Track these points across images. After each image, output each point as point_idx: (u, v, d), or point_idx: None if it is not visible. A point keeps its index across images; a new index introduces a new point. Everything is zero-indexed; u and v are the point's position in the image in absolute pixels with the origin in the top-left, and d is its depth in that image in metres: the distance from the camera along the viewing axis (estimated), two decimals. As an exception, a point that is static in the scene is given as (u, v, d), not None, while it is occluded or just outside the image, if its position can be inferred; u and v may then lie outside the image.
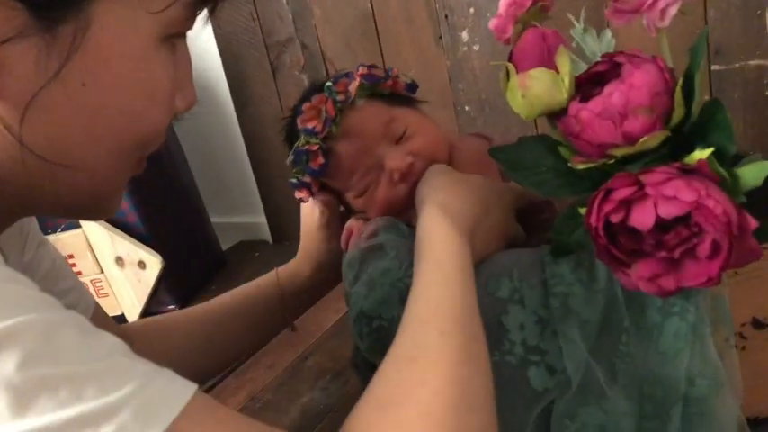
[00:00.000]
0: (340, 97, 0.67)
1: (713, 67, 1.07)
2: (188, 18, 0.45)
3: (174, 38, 0.46)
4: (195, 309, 0.81)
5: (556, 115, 0.50)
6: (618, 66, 0.48)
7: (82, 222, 1.40)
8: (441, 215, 0.54)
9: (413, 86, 0.73)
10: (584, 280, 0.52)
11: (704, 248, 0.46)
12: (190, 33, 0.48)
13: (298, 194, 0.73)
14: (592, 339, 0.51)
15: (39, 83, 0.39)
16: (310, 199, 0.73)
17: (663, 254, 0.47)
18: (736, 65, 1.06)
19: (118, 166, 0.46)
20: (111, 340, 0.38)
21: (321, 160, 0.68)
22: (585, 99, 0.48)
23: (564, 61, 0.48)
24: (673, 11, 0.46)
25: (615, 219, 0.47)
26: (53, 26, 0.39)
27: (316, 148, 0.68)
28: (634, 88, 0.46)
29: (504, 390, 0.51)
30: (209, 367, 0.81)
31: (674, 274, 0.48)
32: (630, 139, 0.47)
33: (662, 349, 0.51)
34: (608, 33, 0.57)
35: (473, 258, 0.52)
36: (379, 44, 1.39)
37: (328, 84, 0.68)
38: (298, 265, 0.80)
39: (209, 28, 1.59)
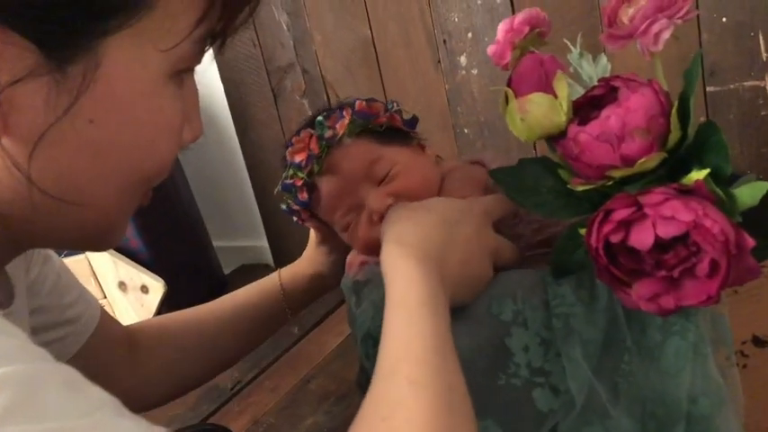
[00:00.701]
0: (328, 134, 0.67)
1: (708, 89, 1.09)
2: (197, 54, 0.45)
3: (183, 73, 0.46)
4: (200, 309, 0.82)
5: (555, 138, 0.51)
6: (614, 89, 0.49)
7: (85, 248, 1.41)
8: (396, 248, 0.52)
9: (412, 122, 0.73)
10: (585, 300, 0.53)
11: (703, 267, 0.47)
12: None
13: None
14: (594, 359, 0.52)
15: (48, 121, 0.40)
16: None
17: (662, 273, 0.48)
18: (731, 86, 1.08)
19: (125, 201, 0.46)
20: (98, 395, 0.37)
21: (305, 195, 0.69)
22: (584, 122, 0.49)
23: (562, 86, 0.49)
24: (666, 35, 0.47)
25: (615, 239, 0.48)
26: (64, 65, 0.39)
27: (300, 182, 0.68)
28: (631, 111, 0.47)
29: (510, 412, 0.52)
30: (213, 366, 0.81)
31: (673, 293, 0.48)
32: (628, 161, 0.48)
33: (663, 368, 0.51)
34: (603, 58, 0.58)
35: (451, 280, 0.51)
36: (379, 68, 1.41)
37: (320, 118, 0.69)
38: (300, 269, 0.82)
39: (210, 55, 1.60)
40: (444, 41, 1.32)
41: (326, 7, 1.43)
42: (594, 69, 0.58)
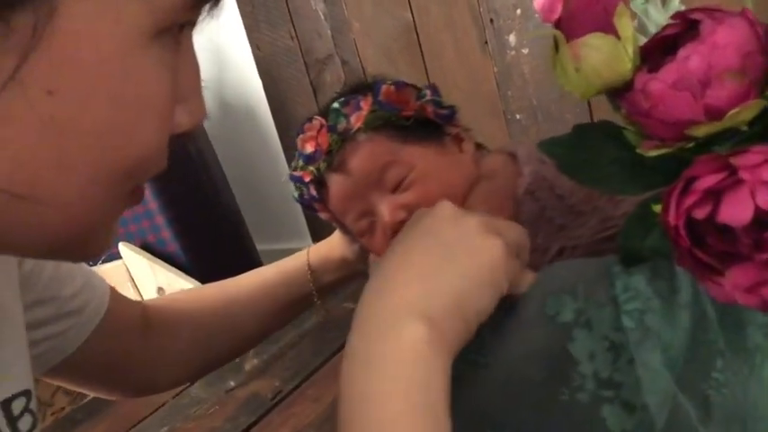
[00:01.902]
0: (341, 125, 0.59)
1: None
2: (189, 6, 0.35)
3: (172, 33, 0.35)
4: (223, 286, 0.76)
5: (618, 92, 0.42)
6: (694, 25, 0.39)
7: (122, 253, 1.37)
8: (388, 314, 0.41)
9: (449, 115, 0.62)
10: (663, 293, 0.43)
11: (821, 246, 0.36)
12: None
13: None
14: (678, 367, 0.42)
15: None
16: None
17: (765, 256, 0.38)
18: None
19: (101, 199, 0.36)
20: None
21: (313, 192, 0.60)
22: (655, 69, 0.40)
23: (625, 23, 0.39)
24: None
25: (700, 214, 0.38)
26: (5, 13, 0.30)
27: (309, 177, 0.60)
28: (718, 48, 0.37)
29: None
30: (233, 347, 0.77)
31: (781, 281, 0.38)
32: (716, 114, 0.37)
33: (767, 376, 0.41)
34: (675, 0, 0.48)
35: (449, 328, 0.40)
36: (422, 55, 1.33)
37: (335, 105, 0.60)
38: (327, 250, 0.76)
39: (249, 51, 1.56)
40: (491, 20, 1.22)
41: (365, -7, 1.35)
42: (664, 16, 0.48)
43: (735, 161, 0.37)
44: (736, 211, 0.37)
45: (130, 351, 0.69)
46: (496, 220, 0.46)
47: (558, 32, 0.41)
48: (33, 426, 0.49)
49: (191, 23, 0.37)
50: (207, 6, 0.37)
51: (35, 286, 0.58)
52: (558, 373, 0.39)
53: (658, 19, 0.48)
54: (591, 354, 0.42)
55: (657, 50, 0.41)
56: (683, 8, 0.47)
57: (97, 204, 0.36)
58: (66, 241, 0.37)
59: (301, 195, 0.63)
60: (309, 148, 0.60)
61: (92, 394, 0.77)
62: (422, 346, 0.38)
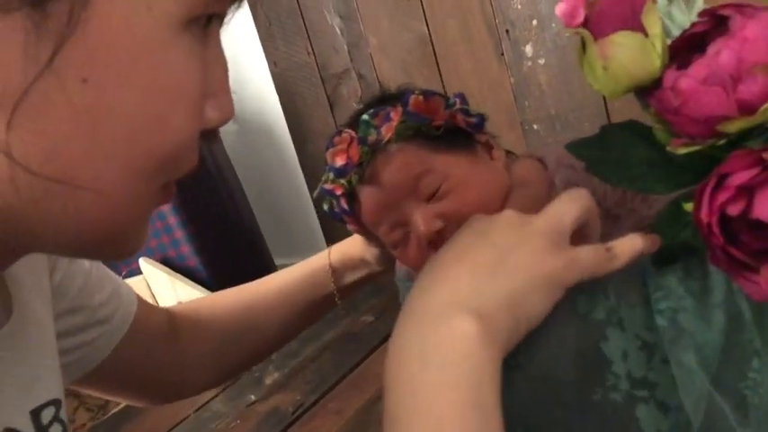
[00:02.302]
0: (371, 137, 0.58)
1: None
2: None
3: (201, 23, 0.36)
4: (246, 289, 0.76)
5: (646, 90, 0.41)
6: (723, 21, 0.39)
7: (143, 269, 1.37)
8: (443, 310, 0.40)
9: (478, 123, 0.61)
10: (696, 292, 0.42)
11: None
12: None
13: None
14: (713, 366, 0.41)
15: (28, 77, 0.31)
16: None
17: (800, 252, 0.37)
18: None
19: (135, 190, 0.37)
20: None
21: (345, 205, 0.60)
22: (684, 66, 0.39)
23: (653, 20, 0.39)
24: None
25: (734, 211, 0.37)
26: (42, 1, 0.30)
27: (340, 190, 0.60)
28: (748, 42, 0.36)
29: (608, 436, 0.41)
30: (257, 350, 0.76)
31: (817, 277, 0.37)
32: (748, 108, 0.37)
33: (806, 376, 0.40)
34: (699, 0, 0.48)
35: (502, 334, 0.39)
36: (438, 67, 1.33)
37: (365, 116, 0.59)
38: (349, 250, 0.75)
39: (266, 67, 1.57)
40: (507, 31, 1.22)
41: (380, 8, 1.36)
42: (689, 16, 0.48)
43: (768, 156, 0.36)
44: (770, 207, 0.36)
45: (157, 357, 0.69)
46: (555, 203, 0.45)
47: (585, 32, 0.41)
48: None
49: (218, 16, 0.37)
50: (233, 1, 0.37)
51: (65, 296, 0.58)
52: (590, 373, 0.39)
53: (682, 21, 0.47)
54: (624, 353, 0.41)
55: (685, 48, 0.41)
56: (706, 7, 0.47)
57: (132, 195, 0.37)
58: (101, 235, 0.38)
59: (331, 209, 0.63)
60: (340, 161, 0.59)
61: (121, 401, 0.77)
62: (473, 341, 0.37)
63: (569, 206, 0.45)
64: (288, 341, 0.79)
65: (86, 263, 0.61)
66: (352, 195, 0.60)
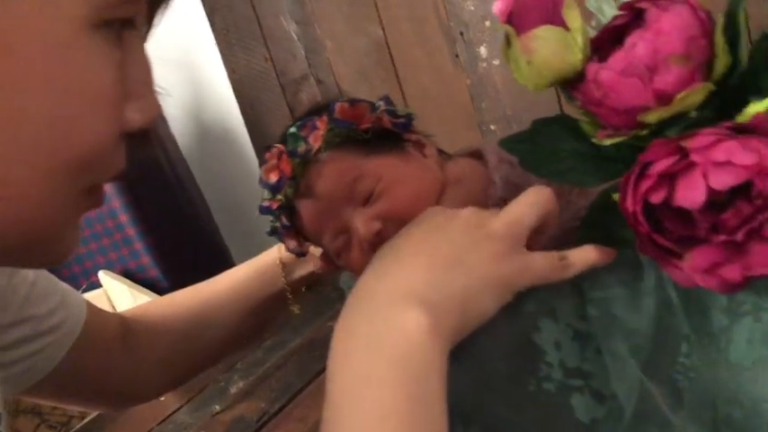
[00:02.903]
0: (301, 149, 0.58)
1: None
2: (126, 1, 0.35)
3: (114, 27, 0.36)
4: (196, 290, 0.76)
5: (571, 83, 0.42)
6: (641, 14, 0.40)
7: (103, 281, 1.35)
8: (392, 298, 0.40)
9: (406, 123, 0.61)
10: (627, 281, 0.43)
11: (774, 225, 0.37)
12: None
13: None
14: (644, 354, 0.41)
15: None
16: None
17: (722, 238, 0.38)
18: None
19: (55, 193, 0.36)
20: None
21: (285, 220, 0.60)
22: (605, 59, 0.40)
23: (573, 15, 0.40)
24: None
25: (656, 198, 0.38)
26: None
27: (277, 206, 0.60)
28: (662, 34, 0.37)
29: (544, 426, 0.42)
30: (214, 348, 0.76)
31: (738, 261, 0.38)
32: (665, 98, 0.38)
33: (735, 359, 0.41)
34: None
35: (452, 329, 0.39)
36: (395, 70, 1.33)
37: (292, 129, 0.59)
38: None
39: (224, 75, 1.57)
40: (461, 33, 1.23)
41: (336, 12, 1.36)
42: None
43: (686, 144, 0.37)
44: (690, 194, 0.37)
45: (111, 363, 0.68)
46: (518, 200, 0.44)
47: (508, 27, 0.41)
48: None
49: (131, 23, 0.37)
50: (149, 10, 0.37)
51: (9, 307, 0.57)
52: (524, 364, 0.39)
53: (611, 14, 0.48)
54: (557, 343, 0.41)
55: (607, 41, 0.42)
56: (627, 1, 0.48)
57: (52, 198, 0.36)
58: (23, 239, 0.37)
59: (275, 230, 0.63)
60: (273, 178, 0.59)
61: (76, 408, 0.77)
62: (424, 335, 0.37)
63: (529, 209, 0.44)
64: (243, 341, 0.78)
65: (30, 274, 0.60)
66: (290, 210, 0.60)
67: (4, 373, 0.57)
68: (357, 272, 0.59)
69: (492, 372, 0.40)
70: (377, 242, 0.54)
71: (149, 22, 0.40)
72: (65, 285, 0.65)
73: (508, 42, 0.42)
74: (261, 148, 1.60)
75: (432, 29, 1.26)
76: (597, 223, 0.44)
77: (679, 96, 0.37)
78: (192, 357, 0.74)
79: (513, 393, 0.41)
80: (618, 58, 0.38)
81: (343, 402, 0.37)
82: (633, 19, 0.41)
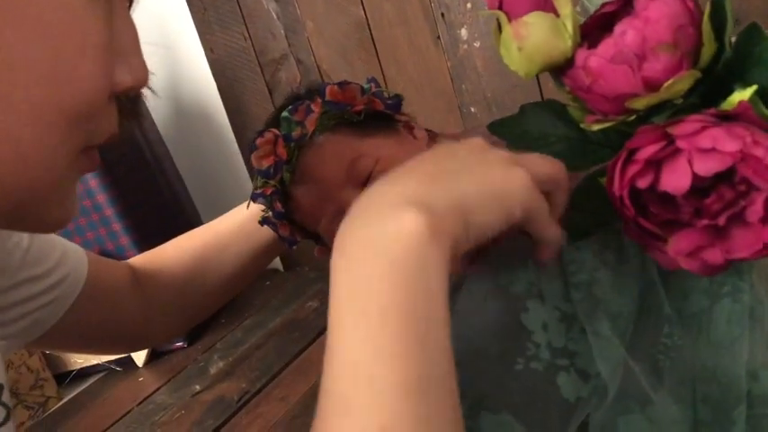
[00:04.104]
0: (296, 132, 0.57)
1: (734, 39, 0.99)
2: None
3: None
4: (195, 234, 0.79)
5: (560, 69, 0.43)
6: (631, 2, 0.40)
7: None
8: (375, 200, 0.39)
9: (395, 103, 0.61)
10: (610, 263, 0.44)
11: (756, 210, 0.38)
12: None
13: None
14: (627, 334, 0.42)
15: None
16: None
17: (704, 222, 0.39)
18: None
19: (51, 148, 0.36)
20: None
21: (279, 206, 0.60)
22: (594, 45, 0.41)
23: (563, 1, 0.40)
24: None
25: (643, 183, 0.39)
26: None
27: (271, 191, 0.59)
28: (651, 22, 0.38)
29: (531, 404, 0.43)
30: (219, 289, 0.78)
31: (720, 245, 0.39)
32: (653, 85, 0.39)
33: (714, 339, 0.42)
34: None
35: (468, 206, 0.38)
36: (376, 51, 1.33)
37: (285, 113, 0.58)
38: None
39: (202, 54, 1.55)
40: (442, 15, 1.23)
41: (316, -9, 1.35)
42: (607, -2, 0.49)
43: (672, 130, 0.38)
44: (675, 179, 0.38)
45: (122, 311, 0.71)
46: (530, 155, 0.42)
47: (500, 13, 0.42)
48: (6, 418, 0.49)
49: None
50: None
51: (6, 271, 0.58)
52: (512, 344, 0.40)
53: (601, 2, 0.49)
54: (544, 324, 0.42)
55: (597, 28, 0.43)
56: None
57: (49, 154, 0.36)
58: (19, 198, 0.37)
59: (266, 219, 0.62)
60: (267, 163, 0.59)
61: (88, 354, 0.80)
62: (422, 236, 0.36)
63: (543, 161, 0.42)
64: (246, 281, 0.80)
65: (24, 240, 0.61)
66: (285, 195, 0.59)
67: (5, 331, 0.58)
68: None
69: (481, 350, 0.41)
70: None
71: None
72: (64, 242, 0.67)
73: (499, 28, 0.43)
74: (239, 125, 1.59)
75: (413, 10, 1.26)
76: (581, 206, 0.45)
77: (667, 84, 0.38)
78: (199, 299, 0.77)
79: (501, 371, 0.42)
80: (607, 46, 0.39)
81: (343, 303, 0.36)
82: (622, 6, 0.41)
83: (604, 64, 0.39)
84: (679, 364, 0.42)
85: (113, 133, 0.40)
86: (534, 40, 0.41)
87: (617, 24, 0.39)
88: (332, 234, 0.59)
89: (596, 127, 0.42)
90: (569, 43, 0.41)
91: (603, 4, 0.43)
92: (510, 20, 0.42)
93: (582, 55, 0.40)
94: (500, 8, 0.42)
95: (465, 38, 1.23)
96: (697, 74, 0.39)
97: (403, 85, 1.35)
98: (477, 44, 1.22)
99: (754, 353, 0.41)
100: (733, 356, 0.41)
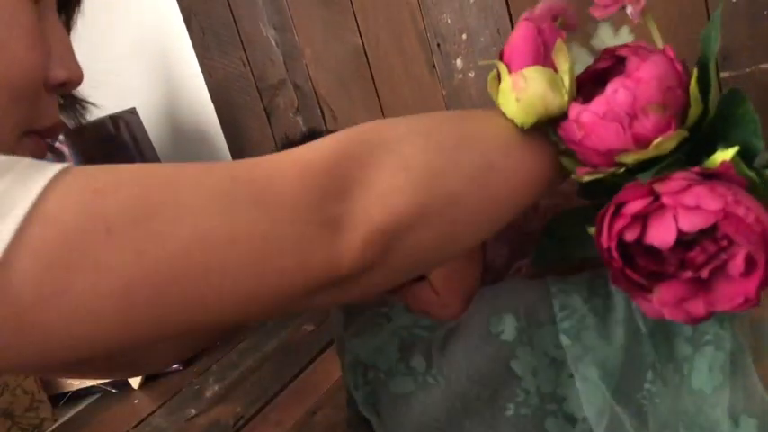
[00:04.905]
0: None
1: (722, 74, 1.01)
2: None
3: None
4: None
5: (555, 120, 0.44)
6: (622, 61, 0.42)
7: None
8: None
9: None
10: (599, 311, 0.45)
11: (737, 264, 0.39)
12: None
13: None
14: (614, 379, 0.44)
15: None
16: None
17: (688, 274, 0.41)
18: (747, 70, 1.00)
19: None
20: None
21: None
22: (587, 100, 0.42)
23: (563, 57, 0.42)
24: None
25: (630, 237, 0.40)
26: None
27: None
28: (642, 83, 0.40)
29: (522, 447, 0.44)
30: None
31: (703, 296, 0.41)
32: (642, 143, 0.40)
33: (696, 386, 0.43)
34: (625, 29, 0.51)
35: None
36: (372, 79, 1.35)
37: None
38: None
39: (201, 78, 1.57)
40: (438, 45, 1.25)
41: (315, 20, 1.37)
42: (614, 41, 0.51)
43: (658, 188, 0.40)
44: (661, 234, 0.39)
45: None
46: None
47: (501, 64, 0.44)
48: None
49: None
50: None
51: None
52: (503, 390, 0.41)
53: (608, 42, 0.51)
54: (534, 370, 0.44)
55: (590, 82, 0.45)
56: (632, 37, 0.50)
57: None
58: None
59: None
60: None
61: (81, 378, 0.77)
62: None
63: None
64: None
65: None
66: None
67: None
68: None
69: (473, 397, 0.43)
70: None
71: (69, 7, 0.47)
72: None
73: (498, 78, 0.44)
74: (237, 150, 1.61)
75: (409, 39, 1.28)
76: (554, 235, 0.46)
77: (656, 142, 0.40)
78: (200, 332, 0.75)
79: (491, 417, 0.43)
80: (600, 103, 0.41)
81: None
82: (615, 63, 0.43)
83: (597, 120, 0.41)
84: (662, 409, 0.44)
85: (55, 123, 0.44)
86: (532, 93, 0.42)
87: (610, 82, 0.41)
88: None
89: (587, 178, 0.44)
90: (566, 98, 0.42)
91: (596, 60, 0.45)
92: (510, 71, 0.43)
93: (575, 109, 0.42)
94: (500, 59, 0.44)
95: (460, 68, 1.25)
96: (684, 133, 0.40)
97: (399, 112, 1.37)
98: (471, 74, 1.24)
99: (736, 399, 0.43)
100: (715, 403, 0.42)
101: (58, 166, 0.31)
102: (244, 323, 0.78)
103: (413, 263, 0.37)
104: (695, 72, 0.40)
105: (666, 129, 0.40)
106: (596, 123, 0.41)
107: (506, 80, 0.44)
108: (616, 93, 0.41)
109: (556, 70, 0.43)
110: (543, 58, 0.44)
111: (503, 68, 0.44)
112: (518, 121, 0.45)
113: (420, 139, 0.39)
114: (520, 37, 0.44)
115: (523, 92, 0.43)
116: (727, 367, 0.43)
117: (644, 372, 0.44)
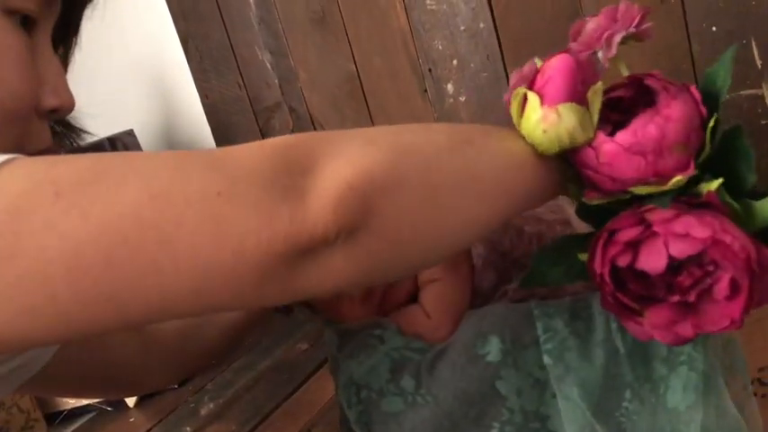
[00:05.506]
0: None
1: (705, 101, 1.05)
2: None
3: (16, 16, 0.43)
4: None
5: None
6: (648, 91, 0.43)
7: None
8: None
9: None
10: (581, 333, 0.48)
11: (722, 288, 0.42)
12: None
13: None
14: (594, 398, 0.46)
15: None
16: None
17: (676, 298, 0.43)
18: (728, 96, 1.04)
19: None
20: None
21: None
22: (604, 122, 0.43)
23: (596, 99, 0.43)
24: (617, 40, 0.43)
25: (622, 263, 0.43)
26: None
27: None
28: (671, 121, 0.41)
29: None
30: (219, 338, 0.75)
31: (691, 319, 0.43)
32: (662, 178, 0.42)
33: (671, 404, 0.46)
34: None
35: None
36: (366, 102, 1.38)
37: None
38: None
39: (198, 100, 1.59)
40: (430, 70, 1.29)
41: (309, 45, 1.41)
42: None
43: (649, 216, 0.42)
44: (652, 260, 0.41)
45: (117, 355, 0.69)
46: None
47: (533, 94, 0.43)
48: None
49: (33, 22, 0.44)
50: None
51: None
52: (488, 409, 0.43)
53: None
54: (518, 390, 0.46)
55: (607, 107, 0.44)
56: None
57: None
58: None
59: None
60: None
61: (77, 399, 0.76)
62: None
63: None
64: (251, 329, 0.78)
65: None
66: None
67: None
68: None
69: (460, 416, 0.44)
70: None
71: (67, 33, 0.49)
72: None
73: (523, 104, 0.44)
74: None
75: (401, 64, 1.32)
76: (544, 261, 0.47)
77: (675, 180, 0.41)
78: (201, 348, 0.75)
79: (478, 434, 0.46)
80: (626, 135, 0.41)
81: None
82: (639, 93, 0.44)
83: (621, 151, 0.42)
84: (640, 426, 0.46)
85: (48, 147, 0.46)
86: (561, 128, 0.42)
87: (640, 115, 0.42)
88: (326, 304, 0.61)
89: (595, 202, 0.44)
90: (591, 135, 0.43)
91: (617, 86, 0.45)
92: (542, 103, 0.43)
93: (599, 139, 0.43)
94: (530, 86, 0.44)
95: (451, 92, 1.29)
96: (696, 172, 0.42)
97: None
98: (462, 98, 1.28)
99: (709, 417, 0.45)
100: (688, 420, 0.45)
101: (14, 155, 0.31)
102: (218, 306, 0.78)
103: (402, 231, 0.34)
104: (714, 117, 0.42)
105: (686, 168, 0.42)
106: (620, 154, 0.42)
107: (536, 111, 0.43)
108: (645, 127, 0.41)
109: (586, 105, 0.43)
110: (580, 93, 0.43)
111: (534, 99, 0.43)
112: (540, 148, 0.44)
113: (390, 128, 0.39)
114: (558, 71, 0.43)
115: (553, 126, 0.43)
116: (700, 387, 0.45)
117: (623, 391, 0.46)
